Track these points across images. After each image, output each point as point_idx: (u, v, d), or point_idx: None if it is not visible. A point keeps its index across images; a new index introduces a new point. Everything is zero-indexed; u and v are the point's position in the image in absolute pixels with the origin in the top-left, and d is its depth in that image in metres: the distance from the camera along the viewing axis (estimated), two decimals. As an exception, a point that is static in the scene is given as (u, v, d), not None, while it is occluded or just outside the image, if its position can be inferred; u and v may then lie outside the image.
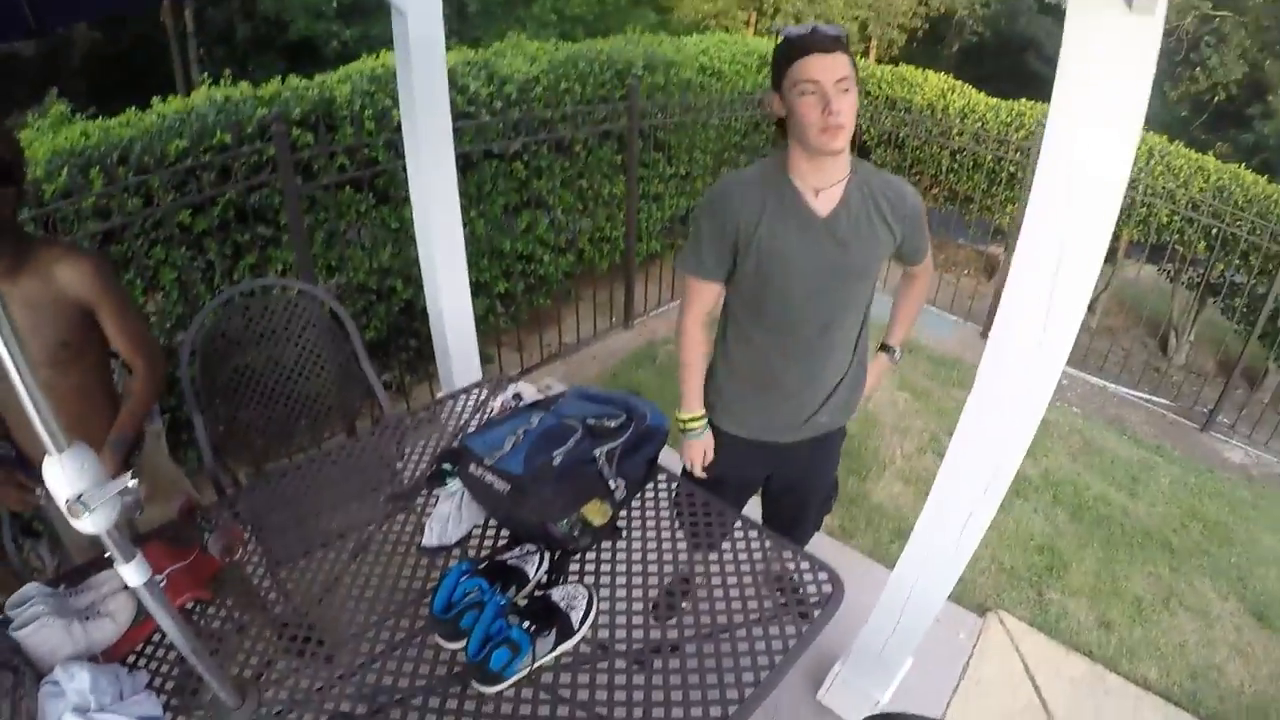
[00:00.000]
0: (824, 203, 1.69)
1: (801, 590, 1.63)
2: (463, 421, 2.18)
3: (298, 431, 2.64)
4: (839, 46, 1.55)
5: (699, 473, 1.99)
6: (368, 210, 3.52)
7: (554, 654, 1.48)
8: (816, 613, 1.56)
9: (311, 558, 1.77)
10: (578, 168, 4.42)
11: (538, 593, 1.60)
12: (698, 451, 1.97)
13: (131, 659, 1.61)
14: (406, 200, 3.30)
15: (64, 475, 1.04)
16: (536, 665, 1.45)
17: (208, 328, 2.41)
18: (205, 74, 4.30)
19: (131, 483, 1.09)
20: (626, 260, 4.82)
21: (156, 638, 1.64)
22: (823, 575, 1.64)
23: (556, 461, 1.61)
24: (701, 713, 1.37)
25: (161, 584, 1.63)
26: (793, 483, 2.15)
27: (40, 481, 1.87)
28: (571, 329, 4.65)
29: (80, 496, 1.04)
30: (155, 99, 3.46)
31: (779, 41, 1.62)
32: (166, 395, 2.90)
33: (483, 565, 1.60)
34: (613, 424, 1.71)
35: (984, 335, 5.30)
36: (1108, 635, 2.84)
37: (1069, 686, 2.60)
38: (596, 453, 1.66)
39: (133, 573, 1.17)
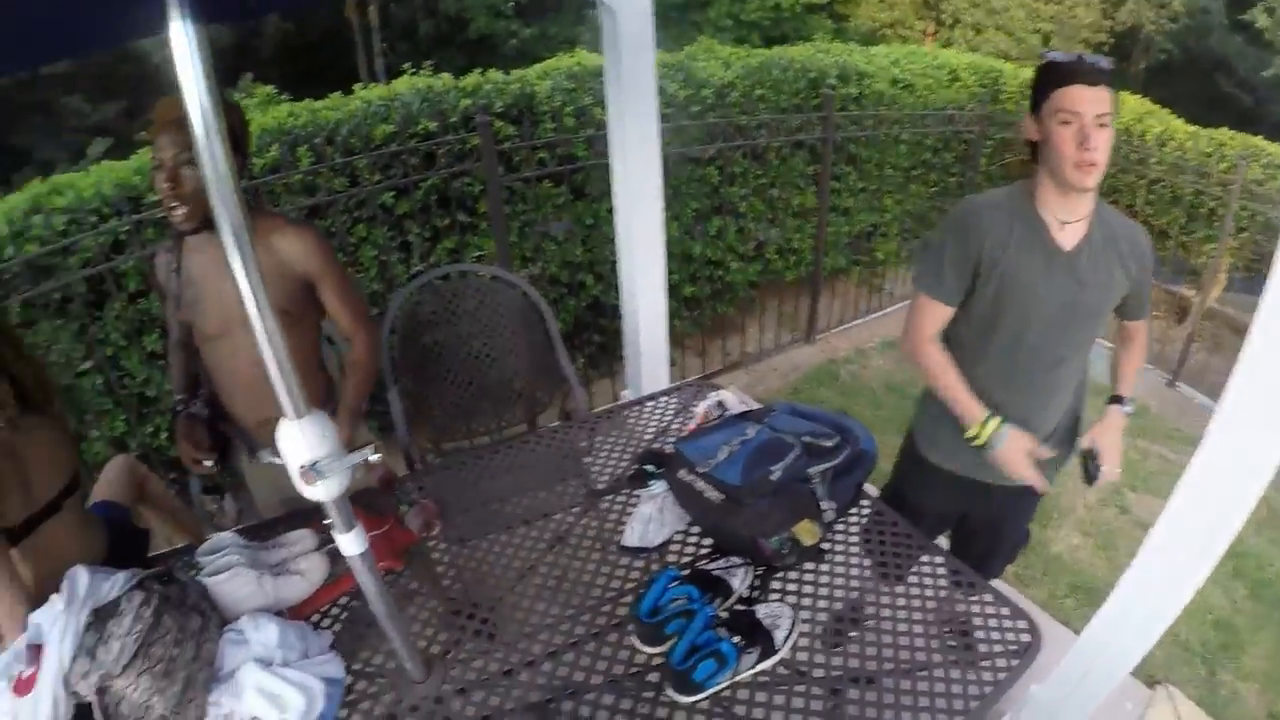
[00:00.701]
0: (1069, 236, 1.63)
1: (999, 636, 1.53)
2: (664, 424, 2.17)
3: (479, 414, 2.70)
4: (1104, 80, 1.50)
5: (1039, 483, 1.72)
6: (564, 204, 3.59)
7: (754, 671, 1.45)
8: (1014, 662, 1.46)
9: (498, 542, 1.80)
10: (769, 176, 4.40)
11: (739, 607, 1.57)
12: (1018, 452, 1.68)
13: (315, 619, 1.65)
14: (601, 197, 3.35)
15: (303, 440, 1.04)
16: (735, 680, 1.42)
17: (408, 306, 2.49)
18: (408, 65, 4.51)
19: (375, 457, 1.11)
20: (814, 273, 4.75)
21: (343, 601, 1.68)
22: (1021, 624, 1.53)
23: (774, 476, 1.57)
24: None
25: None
26: (987, 524, 2.05)
27: (228, 445, 1.99)
28: (753, 338, 4.62)
29: (316, 464, 1.04)
30: (358, 85, 3.65)
31: (1042, 65, 1.58)
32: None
33: (687, 573, 1.58)
34: (828, 444, 1.66)
35: (1171, 384, 4.92)
36: (1278, 727, 2.58)
37: (1230, 777, 2.39)
38: (811, 471, 1.61)
39: (351, 542, 1.19)
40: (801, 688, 1.43)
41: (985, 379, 1.75)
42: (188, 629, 1.42)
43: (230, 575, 1.55)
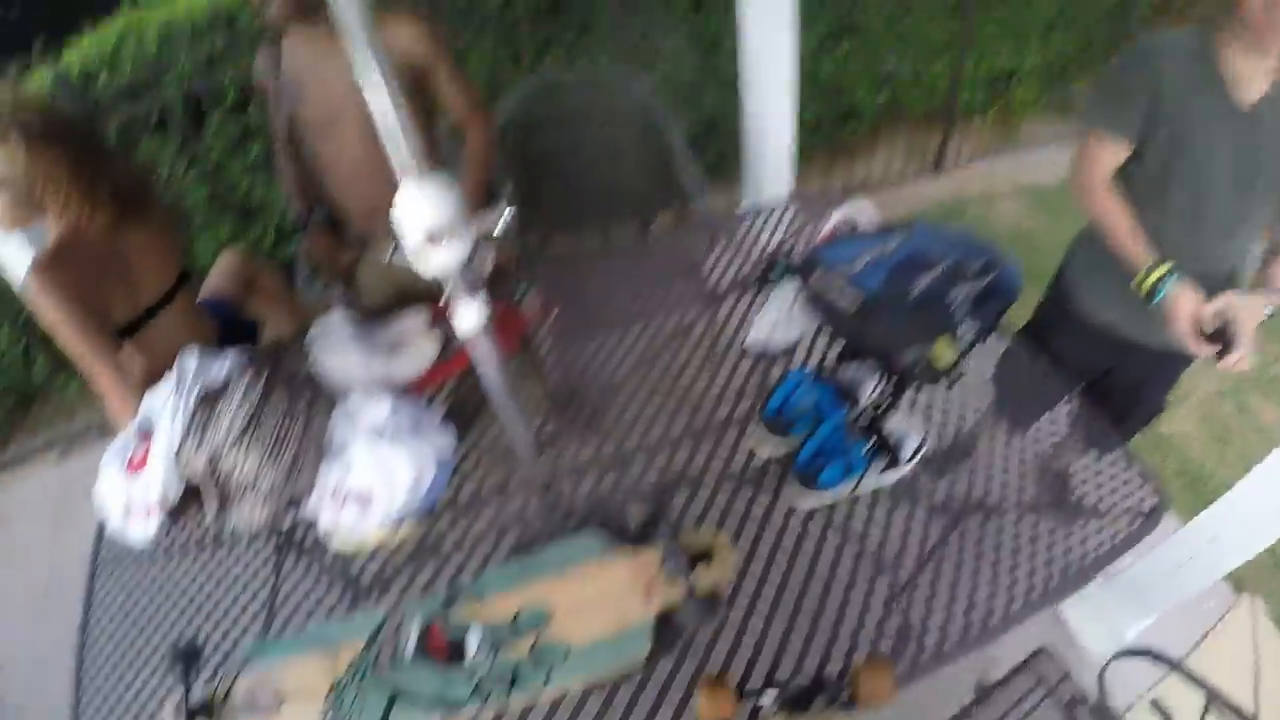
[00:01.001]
0: (1250, 92, 1.48)
1: (1125, 498, 1.44)
2: (792, 232, 2.05)
3: (590, 222, 2.64)
4: None
5: (1196, 348, 1.54)
6: (684, 14, 3.38)
7: (875, 485, 1.41)
8: (1135, 526, 1.38)
9: (612, 336, 1.77)
10: (905, 4, 4.12)
11: (864, 419, 1.50)
12: (1184, 309, 1.51)
13: (427, 397, 1.64)
14: (725, 9, 3.12)
15: (424, 203, 0.97)
16: (855, 490, 1.38)
17: (521, 109, 2.41)
18: None
19: (505, 212, 1.02)
20: (948, 104, 4.41)
21: (455, 382, 1.68)
22: (1148, 490, 1.44)
23: (916, 289, 1.48)
24: (989, 595, 1.27)
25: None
26: (1127, 387, 1.93)
27: (351, 246, 1.99)
28: (879, 165, 4.39)
29: (437, 228, 0.97)
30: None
31: None
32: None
33: (819, 375, 1.52)
34: (974, 266, 1.55)
35: None
36: (1344, 676, 2.44)
37: (1283, 711, 2.29)
38: (954, 293, 1.50)
39: (471, 313, 1.14)
40: (921, 509, 1.39)
41: (1153, 234, 1.60)
42: (298, 404, 1.43)
43: (341, 354, 1.55)
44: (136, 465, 1.38)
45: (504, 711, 1.15)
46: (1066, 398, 1.61)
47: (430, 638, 1.22)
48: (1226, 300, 1.49)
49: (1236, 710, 1.37)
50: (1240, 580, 2.55)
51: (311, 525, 1.43)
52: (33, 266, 1.49)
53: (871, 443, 1.37)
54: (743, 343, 1.70)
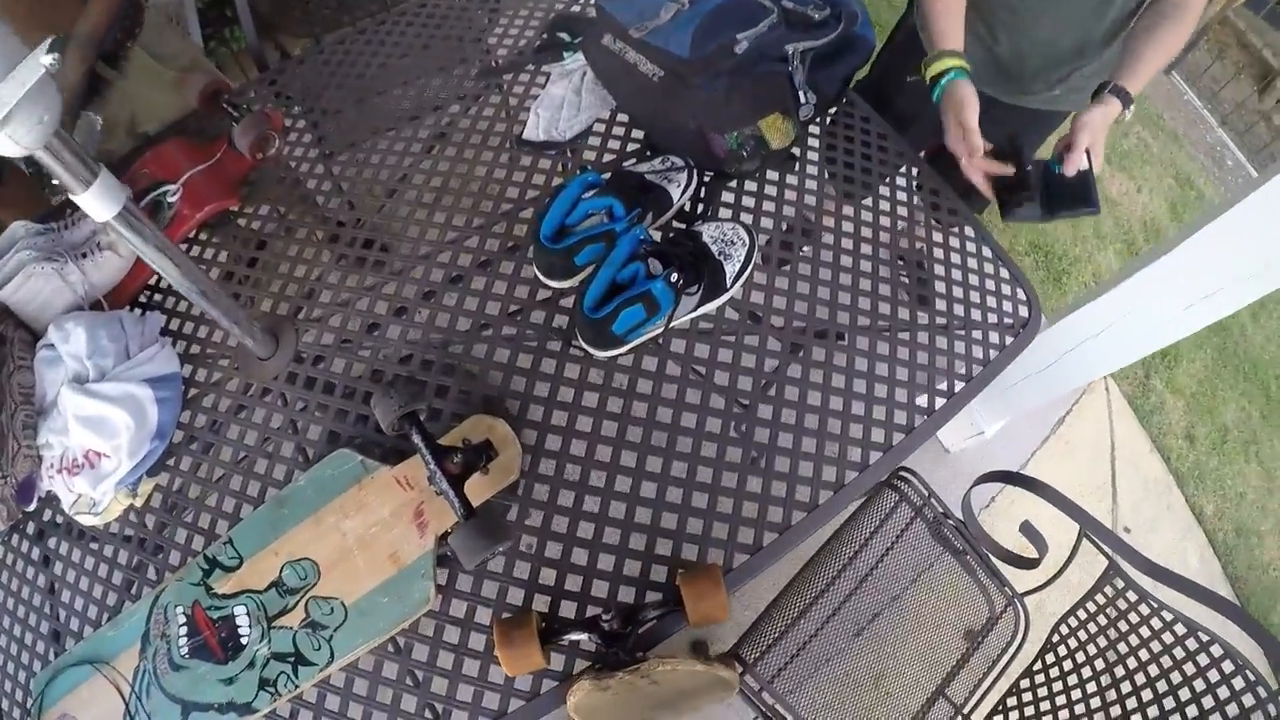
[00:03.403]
0: None
1: (995, 305, 1.21)
2: None
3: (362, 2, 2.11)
4: None
5: (961, 154, 1.22)
6: None
7: (695, 314, 1.10)
8: (1008, 339, 1.17)
9: (374, 148, 1.36)
10: None
11: (679, 225, 1.18)
12: (950, 112, 1.21)
13: (145, 296, 1.28)
14: None
15: None
16: (670, 327, 1.07)
17: None
18: None
19: (48, 59, 0.63)
20: None
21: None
22: (1020, 295, 1.23)
23: (740, 49, 1.09)
24: (862, 431, 1.06)
25: (176, 195, 1.29)
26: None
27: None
28: None
29: None
30: None
31: None
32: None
33: (608, 177, 1.14)
34: (817, 15, 1.16)
35: (1167, 72, 4.30)
36: (1189, 449, 2.58)
37: (1140, 486, 2.41)
38: (790, 49, 1.12)
39: (95, 202, 0.75)
40: (752, 339, 1.10)
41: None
42: (-14, 368, 1.12)
43: (22, 278, 1.20)
44: None
45: (299, 695, 0.97)
46: (911, 167, 1.34)
47: (198, 625, 1.02)
48: (1081, 132, 1.21)
49: (1094, 522, 1.25)
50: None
51: (59, 504, 1.16)
52: None
53: (676, 269, 1.03)
54: (518, 136, 1.30)
